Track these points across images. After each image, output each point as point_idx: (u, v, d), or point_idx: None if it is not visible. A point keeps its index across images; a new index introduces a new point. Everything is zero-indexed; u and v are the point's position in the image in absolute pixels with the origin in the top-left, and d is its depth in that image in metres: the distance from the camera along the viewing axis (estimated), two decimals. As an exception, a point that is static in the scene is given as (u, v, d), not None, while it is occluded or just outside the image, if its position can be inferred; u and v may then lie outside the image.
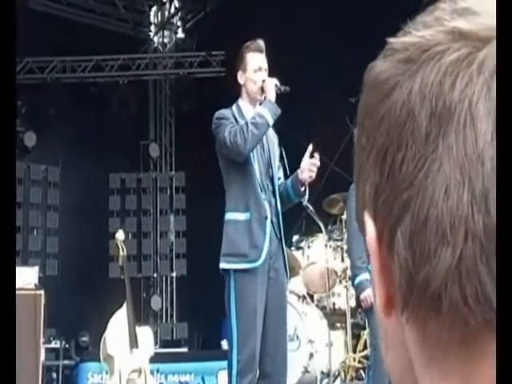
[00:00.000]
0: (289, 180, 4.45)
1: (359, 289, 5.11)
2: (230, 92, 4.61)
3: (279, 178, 4.49)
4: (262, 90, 4.33)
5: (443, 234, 0.47)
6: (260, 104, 4.37)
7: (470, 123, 0.47)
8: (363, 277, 5.00)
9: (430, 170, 0.48)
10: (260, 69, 4.38)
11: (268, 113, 4.22)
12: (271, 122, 4.23)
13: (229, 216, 4.28)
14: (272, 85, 4.30)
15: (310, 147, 4.37)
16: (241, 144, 4.13)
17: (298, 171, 4.36)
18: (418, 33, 0.51)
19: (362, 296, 5.06)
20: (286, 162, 4.57)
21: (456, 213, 0.47)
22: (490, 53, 0.48)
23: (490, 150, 0.46)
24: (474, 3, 0.51)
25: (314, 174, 4.32)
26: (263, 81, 4.34)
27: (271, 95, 4.28)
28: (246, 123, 4.19)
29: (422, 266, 0.48)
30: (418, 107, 0.49)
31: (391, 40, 0.53)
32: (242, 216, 4.23)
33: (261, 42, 4.45)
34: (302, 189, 4.39)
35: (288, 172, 4.59)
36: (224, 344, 10.19)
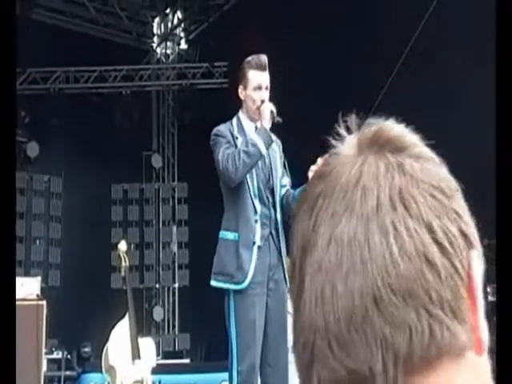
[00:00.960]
0: (296, 193, 4.39)
1: None
2: (233, 103, 4.59)
3: (285, 186, 4.46)
4: (259, 111, 4.29)
5: (304, 338, 0.62)
6: (256, 125, 4.34)
7: (316, 243, 0.62)
8: None
9: (302, 292, 0.62)
10: (260, 87, 4.34)
11: (261, 142, 4.18)
12: (264, 150, 4.19)
13: (221, 234, 4.29)
14: (268, 111, 4.25)
15: (319, 160, 4.35)
16: (232, 172, 4.13)
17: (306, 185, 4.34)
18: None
19: None
20: (287, 170, 4.56)
21: (308, 317, 0.61)
22: (329, 183, 0.63)
23: (325, 258, 0.60)
24: (339, 147, 0.69)
25: None
26: (262, 101, 4.31)
27: (265, 122, 4.23)
28: (239, 151, 4.17)
29: (299, 370, 0.66)
30: (294, 246, 0.66)
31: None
32: (231, 235, 4.23)
33: (263, 59, 4.38)
34: None
35: (289, 178, 4.57)
36: None
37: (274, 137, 4.48)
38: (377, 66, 8.69)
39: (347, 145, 0.66)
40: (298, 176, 4.48)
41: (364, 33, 9.08)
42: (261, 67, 4.37)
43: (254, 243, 4.22)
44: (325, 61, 9.23)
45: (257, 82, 4.34)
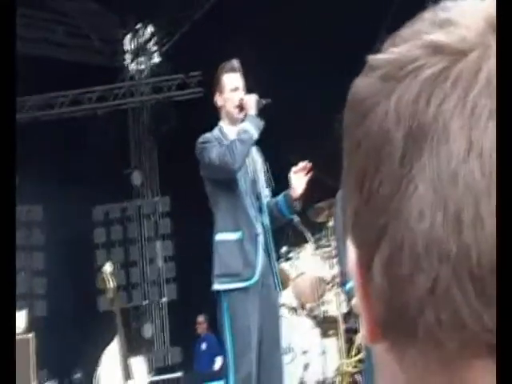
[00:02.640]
0: (280, 199, 4.50)
1: (349, 295, 5.20)
2: (210, 112, 4.63)
3: (266, 196, 4.53)
4: (241, 108, 4.36)
5: (418, 259, 0.45)
6: (242, 121, 4.38)
7: (444, 142, 0.45)
8: (351, 284, 5.08)
9: (405, 192, 0.46)
10: (236, 88, 4.41)
11: (252, 127, 4.27)
12: (256, 135, 4.28)
13: (219, 237, 4.30)
14: (252, 100, 4.33)
15: (301, 164, 4.45)
16: (231, 162, 4.17)
17: (291, 190, 4.43)
18: (395, 48, 0.49)
19: (352, 302, 5.15)
20: (271, 178, 4.63)
21: (429, 236, 0.45)
22: (466, 67, 0.46)
23: (463, 169, 0.44)
24: (456, 14, 0.49)
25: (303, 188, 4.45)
26: (241, 99, 4.37)
27: (252, 111, 4.32)
28: (233, 141, 4.23)
29: (398, 294, 0.47)
30: (393, 128, 0.47)
31: (370, 57, 0.51)
32: (233, 236, 4.26)
33: (235, 62, 4.48)
34: (295, 204, 4.48)
35: (273, 187, 4.65)
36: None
37: (255, 150, 4.57)
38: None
39: (475, 16, 0.49)
40: (282, 183, 4.59)
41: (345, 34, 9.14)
42: (234, 69, 4.45)
43: (257, 235, 4.28)
44: (303, 65, 9.28)
45: (232, 83, 4.41)
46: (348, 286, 5.16)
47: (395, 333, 0.48)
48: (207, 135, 4.39)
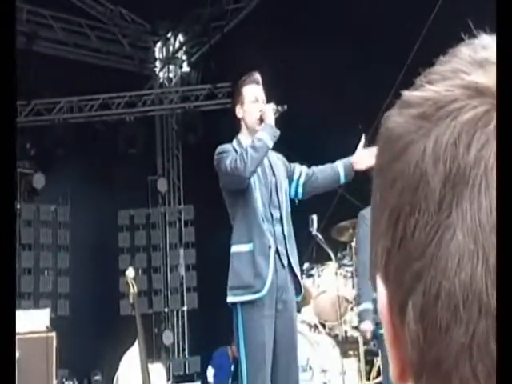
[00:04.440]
0: (341, 164, 4.51)
1: (360, 318, 5.14)
2: (237, 124, 4.64)
3: (300, 175, 4.54)
4: (261, 120, 4.34)
5: (456, 310, 0.44)
6: None
7: (485, 189, 0.43)
8: (365, 306, 5.00)
9: (443, 238, 0.45)
10: (257, 100, 4.40)
11: (267, 135, 4.23)
12: (270, 144, 4.24)
13: (234, 249, 4.30)
14: (270, 110, 4.31)
15: (364, 138, 4.46)
16: (241, 168, 4.14)
17: (353, 161, 4.47)
18: (433, 86, 0.48)
19: (361, 327, 5.09)
20: (294, 166, 4.62)
21: (469, 287, 0.44)
22: None
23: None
24: (494, 52, 0.47)
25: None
26: (260, 111, 4.36)
27: (270, 120, 4.29)
28: (246, 148, 4.21)
29: (434, 344, 0.46)
30: (431, 170, 0.46)
31: (405, 93, 0.50)
32: (245, 247, 4.24)
33: (256, 74, 4.48)
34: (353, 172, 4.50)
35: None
36: (209, 374, 10.23)
37: (276, 153, 4.55)
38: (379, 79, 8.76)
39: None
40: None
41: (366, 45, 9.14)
42: (254, 81, 4.45)
43: (269, 247, 4.23)
44: (325, 77, 9.29)
45: (253, 95, 4.40)
46: (359, 309, 5.11)
47: (428, 381, 0.47)
48: (224, 146, 4.40)
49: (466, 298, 0.44)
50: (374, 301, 4.99)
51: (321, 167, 4.58)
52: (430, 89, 0.48)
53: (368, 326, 4.95)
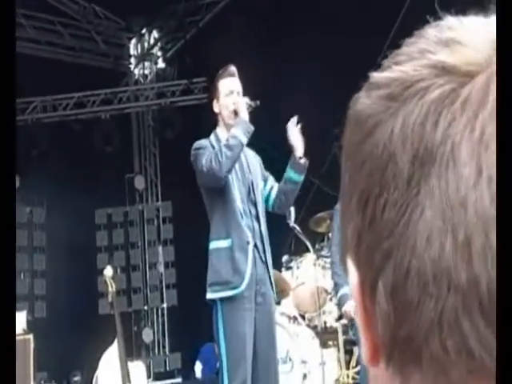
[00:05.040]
0: (287, 168, 4.53)
1: (341, 302, 5.22)
2: (215, 118, 4.62)
3: (272, 188, 4.56)
4: (236, 113, 4.35)
5: (425, 287, 0.44)
6: None
7: (453, 167, 0.44)
8: (344, 290, 5.12)
9: (412, 217, 0.45)
10: (231, 92, 4.41)
11: (240, 132, 4.23)
12: (245, 140, 4.25)
13: (212, 245, 4.32)
14: (243, 104, 4.33)
15: (294, 119, 4.46)
16: (216, 168, 4.15)
17: (294, 151, 4.47)
18: (400, 67, 0.48)
19: (343, 309, 5.17)
20: (267, 173, 4.64)
21: (438, 264, 0.44)
22: (474, 89, 0.45)
23: (473, 196, 0.43)
24: (461, 32, 0.48)
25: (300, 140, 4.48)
26: (234, 103, 4.37)
27: (243, 114, 4.30)
28: (220, 147, 4.21)
29: (404, 321, 0.46)
30: (399, 150, 0.46)
31: (373, 74, 0.50)
32: (223, 243, 4.26)
33: (231, 67, 4.49)
34: (302, 161, 4.47)
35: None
36: (197, 369, 10.26)
37: (252, 152, 4.55)
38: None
39: (480, 37, 0.47)
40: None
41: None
42: (229, 74, 4.47)
43: (248, 243, 4.26)
44: (305, 70, 9.30)
45: (227, 88, 4.42)
46: (339, 294, 5.19)
47: (400, 359, 0.47)
48: (201, 141, 4.40)
49: (435, 274, 0.44)
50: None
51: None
52: (397, 69, 0.48)
53: (351, 306, 5.04)
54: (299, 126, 4.50)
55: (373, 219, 0.47)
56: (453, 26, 0.49)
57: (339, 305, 5.32)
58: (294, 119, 4.50)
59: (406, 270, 0.45)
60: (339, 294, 5.26)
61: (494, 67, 0.45)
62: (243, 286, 4.18)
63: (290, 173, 4.50)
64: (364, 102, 0.50)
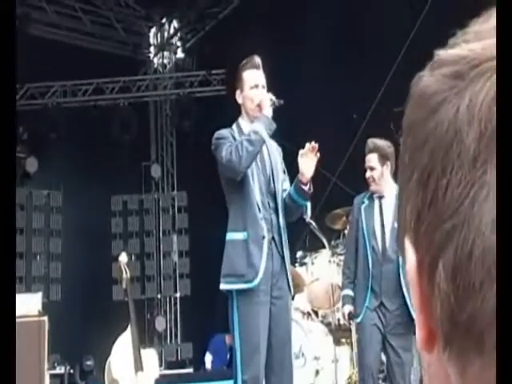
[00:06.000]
0: (291, 188, 4.44)
1: (344, 301, 5.22)
2: (231, 110, 4.61)
3: (285, 190, 4.47)
4: (260, 107, 4.31)
5: (489, 269, 0.43)
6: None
7: None
8: (345, 292, 5.15)
9: (477, 197, 0.44)
10: (257, 86, 4.37)
11: (263, 128, 4.20)
12: (266, 136, 4.22)
13: (229, 236, 4.28)
14: (267, 100, 4.29)
15: (308, 145, 4.39)
16: (236, 162, 4.13)
17: (299, 175, 4.36)
18: (468, 45, 0.47)
19: (342, 311, 5.19)
20: (286, 175, 4.58)
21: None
22: None
23: None
24: None
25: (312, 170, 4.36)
26: (259, 97, 4.33)
27: (267, 111, 4.27)
28: (241, 141, 4.19)
29: (466, 304, 0.45)
30: (465, 128, 0.45)
31: (439, 52, 0.49)
32: (239, 235, 4.23)
33: (256, 59, 4.44)
34: (306, 188, 4.39)
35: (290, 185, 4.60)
36: (207, 360, 10.25)
37: (274, 144, 4.53)
38: (373, 72, 8.74)
39: None
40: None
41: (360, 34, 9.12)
42: (255, 66, 4.41)
43: (263, 237, 4.22)
44: (325, 65, 9.27)
45: (253, 81, 4.37)
46: (342, 293, 5.18)
47: (459, 345, 0.46)
48: (222, 131, 4.37)
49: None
50: (354, 287, 5.08)
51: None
52: (465, 47, 0.47)
53: (347, 310, 5.11)
54: (318, 154, 4.39)
55: (434, 198, 0.46)
56: None
57: (343, 303, 5.32)
58: (313, 146, 4.37)
59: (469, 250, 0.44)
60: (341, 295, 5.27)
61: None
62: (257, 281, 4.15)
63: (294, 194, 4.42)
64: (428, 79, 0.48)
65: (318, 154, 4.34)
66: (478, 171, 0.44)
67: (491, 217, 0.43)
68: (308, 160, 4.33)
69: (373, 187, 5.06)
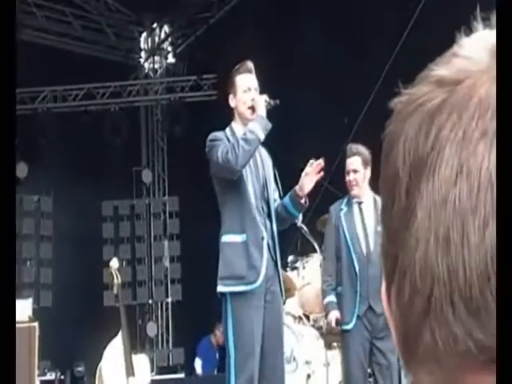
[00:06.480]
0: (286, 198, 4.46)
1: (326, 311, 5.22)
2: (222, 115, 4.63)
3: (275, 200, 4.49)
4: (253, 109, 4.33)
5: (415, 284, 0.47)
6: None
7: (438, 169, 0.47)
8: (328, 299, 5.16)
9: (409, 224, 0.48)
10: (249, 89, 4.40)
11: (259, 128, 4.22)
12: (262, 136, 4.23)
13: (225, 238, 4.28)
14: (262, 101, 4.31)
15: (316, 164, 4.39)
16: (232, 160, 4.13)
17: (297, 187, 4.37)
18: (411, 89, 0.52)
19: (327, 318, 5.18)
20: (279, 183, 4.58)
21: (424, 260, 0.47)
22: (461, 94, 0.47)
23: (452, 192, 0.46)
24: (461, 45, 0.51)
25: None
26: (252, 100, 4.35)
27: (261, 111, 4.28)
28: (237, 140, 4.20)
29: (404, 320, 0.49)
30: (400, 163, 0.50)
31: (393, 101, 0.54)
32: (238, 238, 4.23)
33: (249, 63, 4.48)
34: (303, 201, 4.40)
35: (281, 193, 4.59)
36: (197, 365, 10.22)
37: (265, 152, 4.53)
38: (365, 71, 8.76)
39: (478, 48, 0.49)
40: (289, 188, 4.54)
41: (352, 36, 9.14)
42: (247, 71, 4.45)
43: (262, 238, 4.23)
44: (316, 71, 9.28)
45: (245, 84, 4.40)
46: (324, 302, 5.20)
47: (409, 357, 0.50)
48: (217, 133, 4.38)
49: (421, 270, 0.47)
50: (337, 294, 5.09)
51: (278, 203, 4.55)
52: (407, 92, 0.52)
53: (333, 316, 5.11)
54: (320, 174, 4.40)
55: (386, 231, 0.52)
56: (460, 42, 0.51)
57: (325, 311, 5.33)
58: (320, 164, 4.39)
59: (403, 273, 0.48)
60: (325, 302, 5.28)
61: (482, 71, 0.48)
62: (258, 282, 4.16)
63: (289, 206, 4.44)
64: (388, 128, 0.53)
65: (322, 173, 4.39)
66: (409, 200, 0.49)
67: (416, 236, 0.47)
68: (311, 178, 4.37)
69: (355, 191, 5.11)
